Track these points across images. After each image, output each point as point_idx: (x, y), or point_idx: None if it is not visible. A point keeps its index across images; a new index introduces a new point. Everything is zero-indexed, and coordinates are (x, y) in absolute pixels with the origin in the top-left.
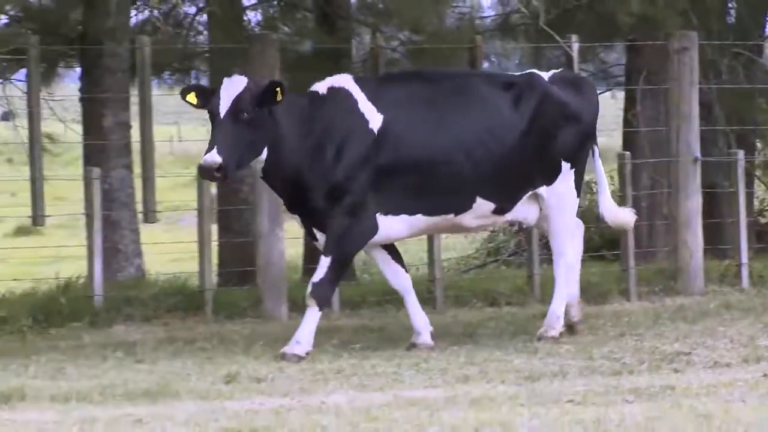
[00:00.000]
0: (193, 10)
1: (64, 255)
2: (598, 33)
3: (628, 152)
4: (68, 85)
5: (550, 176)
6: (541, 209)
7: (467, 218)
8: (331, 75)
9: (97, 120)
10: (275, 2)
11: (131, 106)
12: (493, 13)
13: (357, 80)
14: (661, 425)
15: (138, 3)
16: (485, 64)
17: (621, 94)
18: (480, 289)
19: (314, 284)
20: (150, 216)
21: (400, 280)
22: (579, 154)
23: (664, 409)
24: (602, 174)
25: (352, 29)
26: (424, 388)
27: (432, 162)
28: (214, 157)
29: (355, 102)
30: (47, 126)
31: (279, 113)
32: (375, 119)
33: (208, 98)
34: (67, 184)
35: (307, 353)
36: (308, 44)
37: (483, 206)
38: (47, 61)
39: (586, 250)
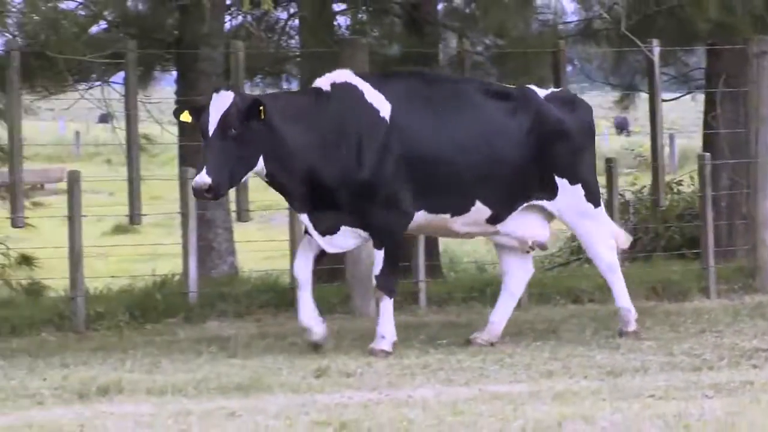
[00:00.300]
0: (284, 15)
1: (160, 253)
2: (678, 38)
3: (708, 153)
4: (164, 88)
5: (547, 191)
6: (547, 226)
7: (460, 222)
8: None
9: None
10: (365, 7)
11: None
12: (575, 19)
13: (358, 75)
14: (741, 420)
15: (232, 9)
16: (568, 68)
17: (701, 97)
18: (563, 286)
19: (377, 277)
20: (243, 215)
21: (306, 272)
22: (577, 169)
23: (743, 404)
24: None
25: (439, 34)
26: (508, 382)
27: (436, 157)
28: (204, 179)
29: (362, 93)
30: (144, 128)
31: (275, 118)
32: (385, 108)
33: (200, 116)
34: (163, 184)
35: (394, 344)
36: (396, 48)
37: (480, 212)
38: (144, 64)
39: (667, 248)
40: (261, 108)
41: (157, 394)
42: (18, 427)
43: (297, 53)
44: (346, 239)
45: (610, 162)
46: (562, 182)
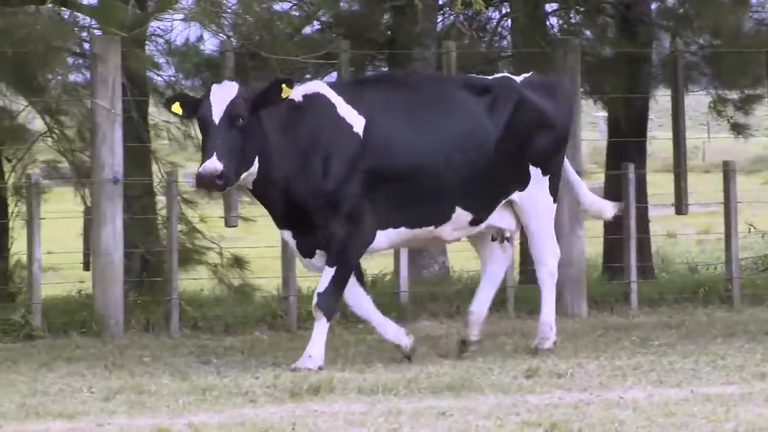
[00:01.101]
0: (496, 15)
1: (372, 252)
2: None
3: None
4: None
5: (521, 182)
6: (516, 216)
7: (446, 230)
8: (630, 79)
9: None
10: (576, 8)
11: None
12: None
13: (331, 85)
14: None
15: (444, 9)
16: None
17: None
18: None
19: (320, 295)
20: None
21: (360, 301)
22: (552, 160)
23: None
24: (572, 171)
25: (652, 34)
26: (720, 384)
27: (412, 168)
28: (216, 164)
29: (334, 107)
30: None
31: (265, 122)
32: (358, 123)
33: (195, 107)
34: None
35: (320, 367)
36: (608, 49)
37: (461, 217)
38: (356, 65)
39: None
40: (283, 84)
41: (367, 393)
42: (230, 425)
43: (509, 53)
44: (322, 262)
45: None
46: (535, 172)
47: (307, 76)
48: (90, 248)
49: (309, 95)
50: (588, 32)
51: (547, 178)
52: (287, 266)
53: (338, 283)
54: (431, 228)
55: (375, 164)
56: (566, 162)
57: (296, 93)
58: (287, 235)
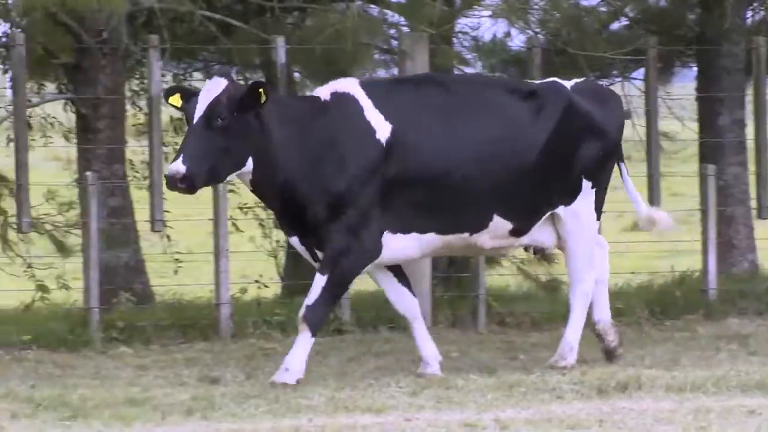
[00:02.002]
0: None
1: (680, 249)
2: None
3: None
4: (685, 85)
5: (569, 195)
6: (557, 231)
7: (484, 238)
8: None
9: (713, 118)
10: None
11: (746, 105)
12: None
13: (363, 85)
14: None
15: (754, 3)
16: None
17: None
18: None
19: (308, 307)
20: (764, 211)
21: (407, 305)
22: (601, 172)
23: None
24: (633, 188)
25: None
26: None
27: (445, 175)
28: (178, 167)
29: (361, 109)
30: (665, 124)
31: (271, 119)
32: (383, 128)
33: (190, 101)
34: (684, 180)
35: (298, 381)
36: None
37: (500, 226)
38: (664, 60)
39: None
40: (260, 90)
41: (675, 390)
42: (537, 421)
43: None
44: None
45: None
46: (586, 185)
47: (614, 72)
48: None
49: (337, 93)
50: None
51: (594, 191)
52: None
53: (329, 295)
54: (465, 235)
55: (398, 171)
56: (625, 172)
57: (325, 90)
58: (295, 242)
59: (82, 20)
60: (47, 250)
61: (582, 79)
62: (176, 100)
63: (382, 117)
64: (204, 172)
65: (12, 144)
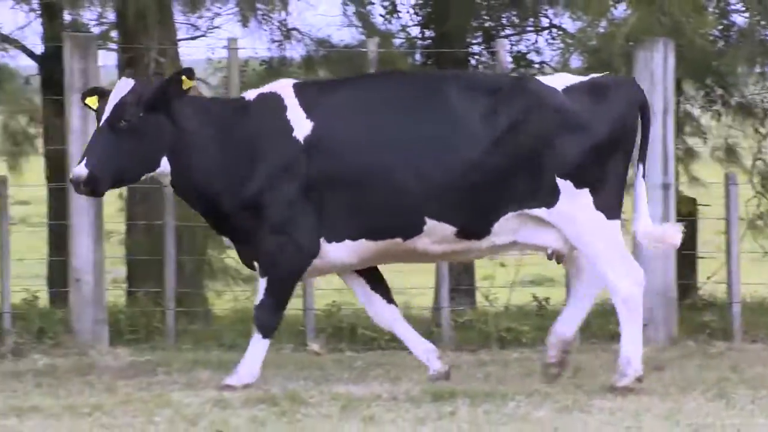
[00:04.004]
0: None
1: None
2: None
3: None
4: None
5: (545, 196)
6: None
7: (424, 243)
8: None
9: None
10: None
11: None
12: None
13: (297, 86)
14: None
15: None
16: None
17: None
18: None
19: (257, 308)
20: None
21: (377, 311)
22: (591, 171)
23: None
24: (641, 196)
25: None
26: None
27: (369, 175)
28: (81, 170)
29: (284, 108)
30: None
31: (188, 120)
32: (302, 127)
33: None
34: None
35: (247, 385)
36: None
37: (439, 229)
38: None
39: None
40: (183, 77)
41: None
42: None
43: None
44: None
45: None
46: (565, 184)
47: None
48: None
49: (263, 94)
50: None
51: (585, 191)
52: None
53: (274, 297)
54: (398, 240)
55: (321, 170)
56: (639, 177)
57: (254, 91)
58: (227, 240)
59: None
60: None
61: (599, 75)
62: (93, 101)
63: (303, 115)
64: (108, 176)
65: None
